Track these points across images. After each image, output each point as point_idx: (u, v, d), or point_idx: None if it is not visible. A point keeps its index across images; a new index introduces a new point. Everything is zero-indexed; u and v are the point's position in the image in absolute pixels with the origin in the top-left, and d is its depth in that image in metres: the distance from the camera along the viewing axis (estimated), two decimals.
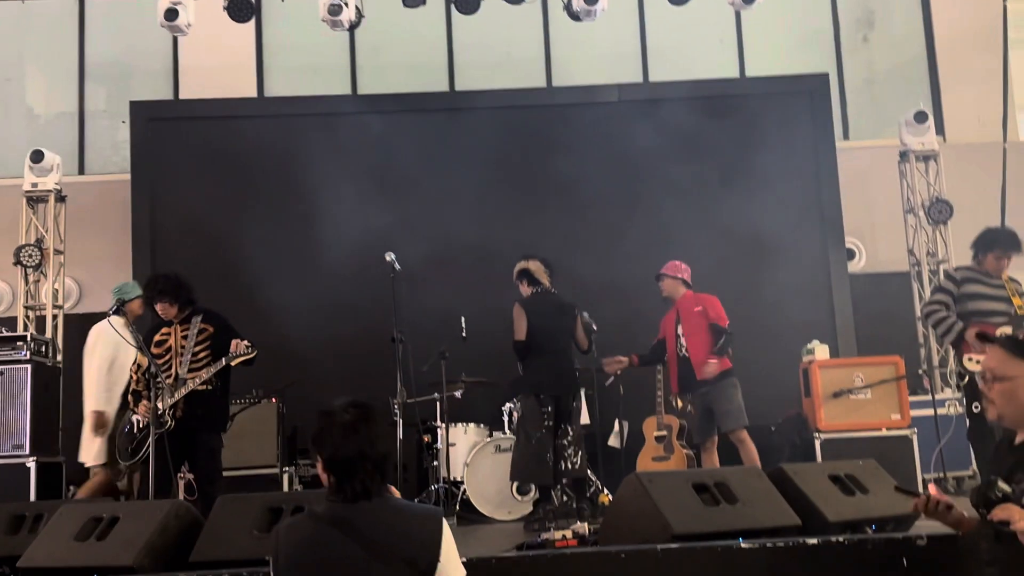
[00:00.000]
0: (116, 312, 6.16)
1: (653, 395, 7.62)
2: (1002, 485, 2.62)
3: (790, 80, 9.65)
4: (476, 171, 9.12)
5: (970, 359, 6.02)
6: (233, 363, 5.53)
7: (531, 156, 9.16)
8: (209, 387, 5.58)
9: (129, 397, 5.85)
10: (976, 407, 6.00)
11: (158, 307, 5.80)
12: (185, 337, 5.70)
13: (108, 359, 6.49)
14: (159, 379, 5.26)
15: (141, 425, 5.60)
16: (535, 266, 6.61)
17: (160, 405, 5.41)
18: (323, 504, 2.56)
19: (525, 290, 6.62)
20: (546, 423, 6.27)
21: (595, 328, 6.58)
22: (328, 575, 2.45)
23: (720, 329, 6.87)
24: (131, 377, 5.86)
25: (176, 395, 5.50)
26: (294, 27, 9.98)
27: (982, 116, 10.10)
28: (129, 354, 6.06)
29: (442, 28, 10.36)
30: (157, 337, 5.80)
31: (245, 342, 5.57)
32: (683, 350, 7.01)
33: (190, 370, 5.59)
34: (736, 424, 6.77)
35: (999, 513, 2.57)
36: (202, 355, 5.65)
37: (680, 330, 7.04)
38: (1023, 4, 12.73)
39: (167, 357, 5.70)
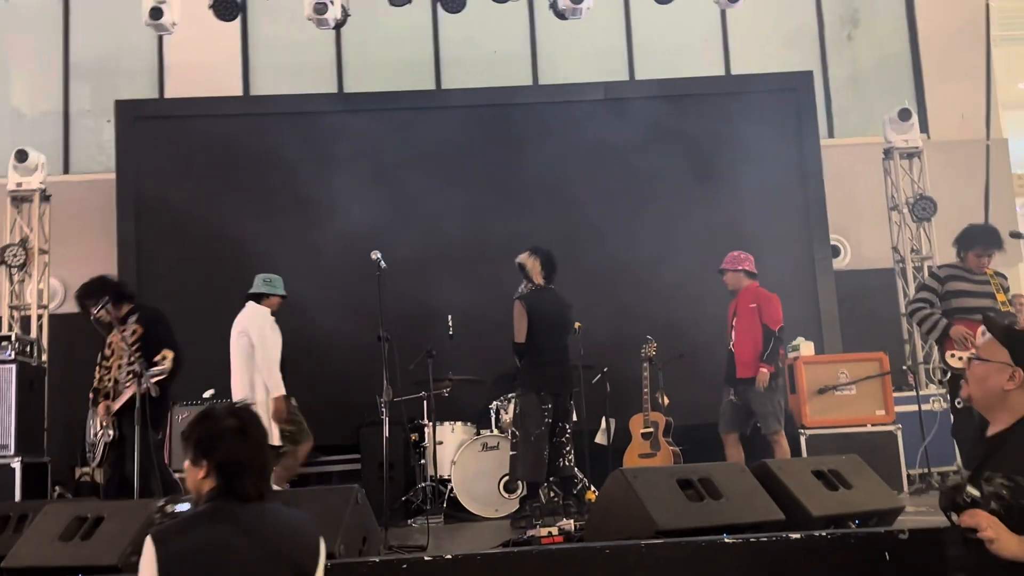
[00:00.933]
0: (258, 301, 6.41)
1: (639, 392, 7.65)
2: (970, 490, 2.59)
3: (775, 78, 9.68)
4: (462, 169, 9.14)
5: (953, 355, 6.08)
6: (152, 383, 5.35)
7: (517, 154, 9.16)
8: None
9: (90, 395, 5.85)
10: (959, 403, 6.05)
11: (92, 313, 5.82)
12: (123, 339, 5.68)
13: (280, 344, 6.43)
14: (142, 377, 5.24)
15: (99, 427, 5.62)
16: (530, 263, 6.57)
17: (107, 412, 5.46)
18: (212, 505, 2.56)
19: (526, 285, 6.59)
20: (546, 421, 6.27)
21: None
22: (225, 574, 2.46)
23: (770, 333, 6.91)
24: (96, 375, 5.89)
25: (116, 403, 5.53)
26: (280, 25, 9.94)
27: (966, 113, 10.16)
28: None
29: (428, 26, 10.36)
30: (108, 339, 5.84)
31: (166, 353, 5.44)
32: (731, 343, 7.08)
33: (128, 373, 5.56)
34: (770, 427, 6.85)
35: (967, 519, 2.55)
36: (135, 357, 5.60)
37: (734, 322, 7.09)
38: (1006, 2, 12.82)
39: (111, 359, 5.73)
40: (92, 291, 5.90)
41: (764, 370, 6.82)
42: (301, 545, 2.58)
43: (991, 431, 2.84)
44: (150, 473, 5.42)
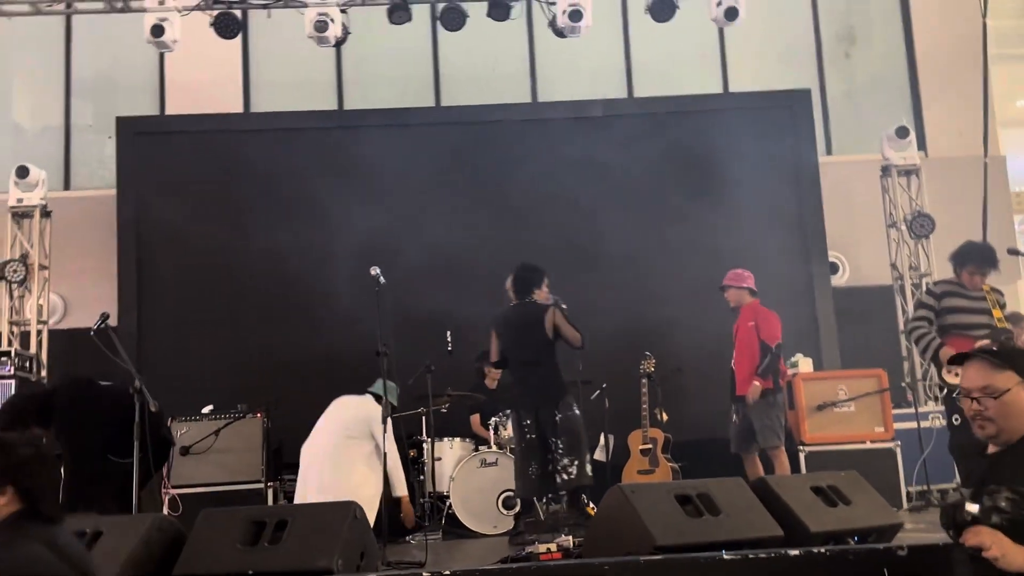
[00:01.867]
0: (378, 400, 6.45)
1: (638, 408, 7.64)
2: (969, 507, 2.56)
3: (772, 95, 9.75)
4: (461, 185, 9.18)
5: (950, 371, 6.06)
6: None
7: (516, 170, 9.19)
8: None
9: None
10: (956, 419, 6.03)
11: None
12: None
13: None
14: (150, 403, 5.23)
15: None
16: (508, 282, 6.53)
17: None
18: (19, 524, 2.70)
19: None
20: (527, 436, 6.25)
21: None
22: None
23: (767, 349, 6.94)
24: None
25: None
26: (280, 43, 10.00)
27: (963, 131, 10.21)
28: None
29: (428, 44, 10.42)
30: None
31: None
32: (732, 361, 7.12)
33: None
34: (769, 442, 6.86)
35: (971, 539, 2.51)
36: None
37: (735, 340, 7.13)
38: (1003, 21, 12.89)
39: None
40: None
41: (756, 383, 6.84)
42: (91, 563, 2.83)
43: (992, 448, 2.83)
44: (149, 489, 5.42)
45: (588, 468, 6.22)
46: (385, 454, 6.03)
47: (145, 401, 5.17)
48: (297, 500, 6.55)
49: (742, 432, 7.01)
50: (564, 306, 6.34)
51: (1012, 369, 2.76)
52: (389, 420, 5.96)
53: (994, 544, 2.47)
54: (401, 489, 6.54)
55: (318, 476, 6.35)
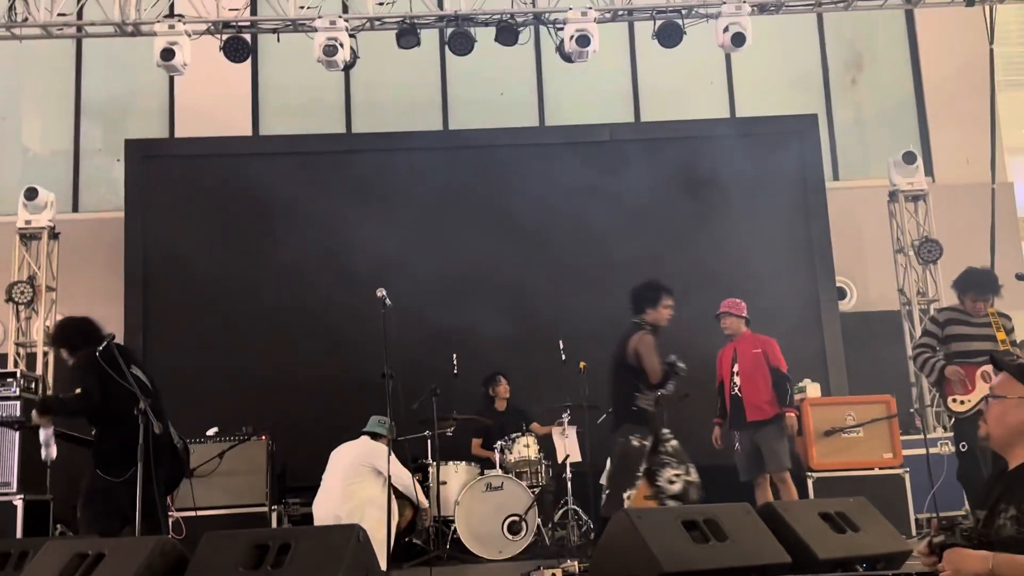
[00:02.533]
0: (374, 438, 6.86)
1: None
2: (935, 539, 2.58)
3: (780, 121, 9.75)
4: (468, 208, 9.19)
5: (954, 400, 6.03)
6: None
7: (524, 194, 9.20)
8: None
9: None
10: (964, 447, 6.00)
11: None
12: None
13: None
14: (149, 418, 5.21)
15: None
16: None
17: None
18: None
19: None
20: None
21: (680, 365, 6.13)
22: None
23: (783, 377, 6.94)
24: None
25: None
26: (289, 67, 10.07)
27: (970, 157, 10.21)
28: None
29: (436, 68, 10.48)
30: None
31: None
32: (736, 389, 7.06)
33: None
34: (778, 466, 6.81)
35: (926, 563, 2.56)
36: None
37: (736, 368, 7.08)
38: (1010, 48, 12.92)
39: None
40: (55, 338, 5.93)
41: (791, 415, 6.88)
42: None
43: (1012, 465, 2.80)
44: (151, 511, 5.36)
45: (623, 502, 5.91)
46: (390, 482, 6.04)
47: (149, 423, 5.15)
48: None
49: (750, 458, 6.96)
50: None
51: None
52: (391, 454, 6.04)
53: (946, 562, 2.50)
54: (423, 501, 6.82)
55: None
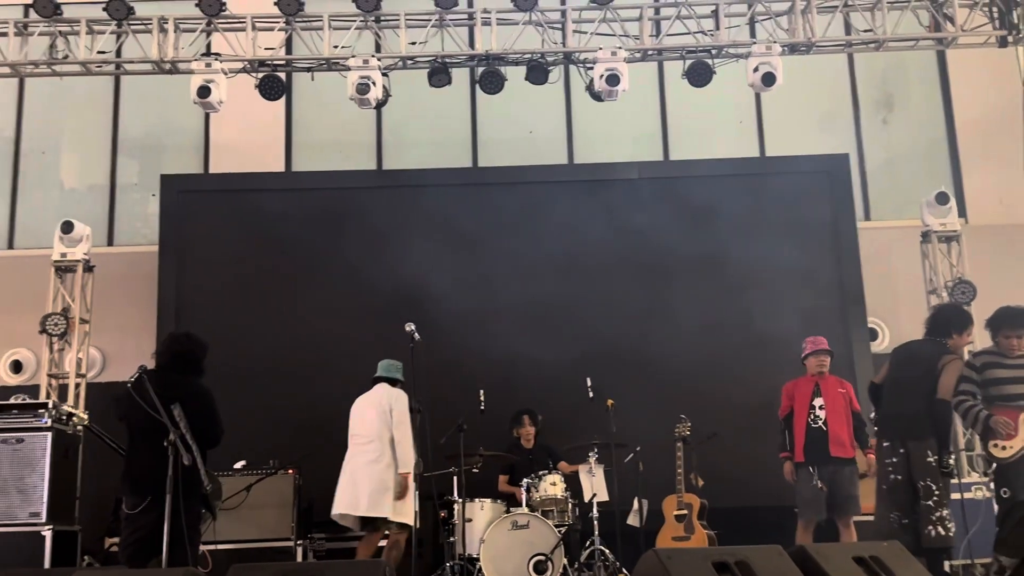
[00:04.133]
0: (392, 384, 6.98)
1: (673, 473, 7.52)
2: None
3: (810, 160, 9.73)
4: (498, 245, 9.21)
5: (995, 445, 5.87)
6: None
7: (553, 231, 9.24)
8: None
9: None
10: (1006, 492, 5.86)
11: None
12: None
13: None
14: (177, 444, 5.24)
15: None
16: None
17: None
18: None
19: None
20: (890, 476, 6.03)
21: None
22: None
23: (863, 420, 7.09)
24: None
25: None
26: (323, 105, 10.22)
27: (1004, 198, 10.12)
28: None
29: (467, 106, 10.57)
30: None
31: None
32: (820, 422, 7.06)
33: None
34: (853, 512, 6.94)
35: None
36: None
37: (819, 402, 7.11)
38: None
39: None
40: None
41: (872, 457, 6.87)
42: None
43: None
44: (179, 543, 5.36)
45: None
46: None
47: (178, 454, 5.17)
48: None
49: (819, 496, 6.93)
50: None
51: None
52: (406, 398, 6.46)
53: None
54: (404, 467, 6.75)
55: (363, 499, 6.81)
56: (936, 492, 5.87)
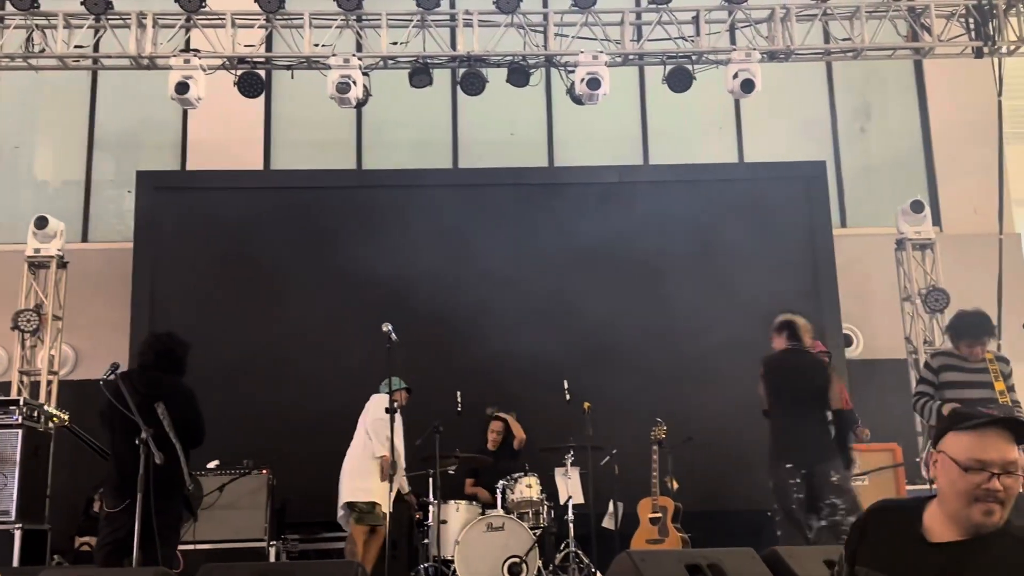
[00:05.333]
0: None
1: (648, 476, 7.54)
2: None
3: (788, 166, 9.82)
4: (476, 246, 9.19)
5: None
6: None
7: (531, 234, 9.25)
8: None
9: None
10: None
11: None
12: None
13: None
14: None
15: None
16: (802, 321, 6.20)
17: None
18: None
19: (779, 343, 6.19)
20: (796, 496, 5.72)
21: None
22: None
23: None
24: None
25: None
26: (303, 103, 10.17)
27: (978, 208, 10.22)
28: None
29: (448, 108, 10.57)
30: None
31: None
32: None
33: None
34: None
35: None
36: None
37: None
38: (1018, 100, 12.98)
39: None
40: None
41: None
42: None
43: (949, 536, 2.44)
44: (150, 543, 5.31)
45: None
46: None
47: (151, 453, 5.13)
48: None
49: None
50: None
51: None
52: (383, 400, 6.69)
53: None
54: (378, 452, 7.03)
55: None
56: (842, 507, 5.67)
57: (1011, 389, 5.83)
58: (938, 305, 9.07)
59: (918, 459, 8.21)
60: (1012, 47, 8.89)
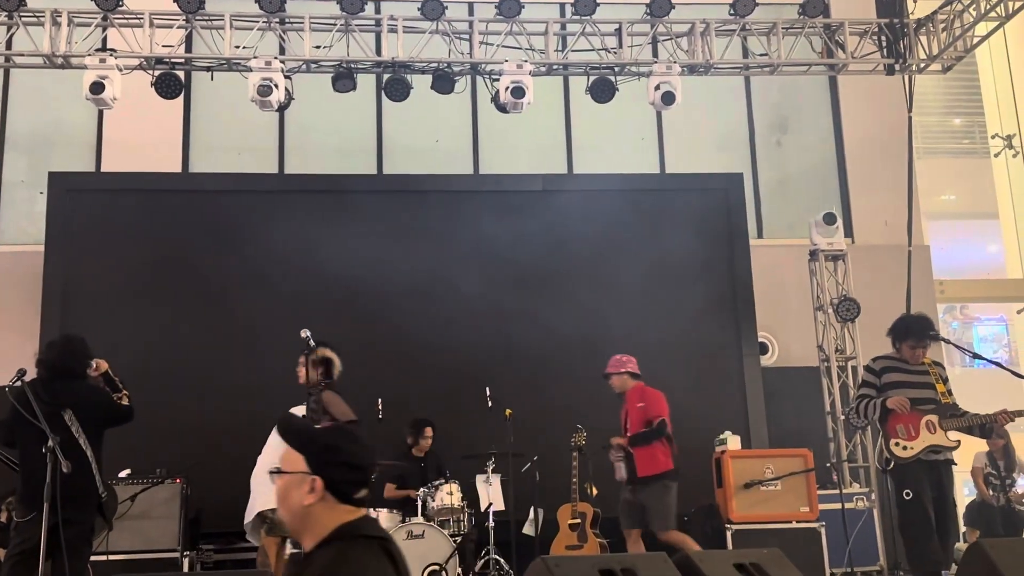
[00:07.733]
0: None
1: (569, 482, 7.60)
2: None
3: (707, 178, 10.03)
4: (399, 253, 9.15)
5: (897, 444, 5.85)
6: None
7: (455, 241, 9.25)
8: None
9: None
10: (907, 494, 5.77)
11: None
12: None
13: None
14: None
15: None
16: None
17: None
18: None
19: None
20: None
21: None
22: None
23: (648, 422, 6.95)
24: None
25: None
26: (223, 106, 10.01)
27: (889, 220, 10.56)
28: None
29: (372, 114, 10.51)
30: None
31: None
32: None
33: None
34: (662, 526, 6.84)
35: None
36: None
37: (627, 424, 7.10)
38: (928, 117, 13.42)
39: None
40: None
41: (619, 441, 6.99)
42: None
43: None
44: (59, 553, 5.16)
45: None
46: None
47: (57, 462, 4.98)
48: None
49: (633, 510, 7.00)
50: None
51: None
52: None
53: None
54: None
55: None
56: None
57: (950, 392, 5.99)
58: (849, 314, 9.34)
59: (828, 464, 8.44)
60: (922, 65, 9.25)
